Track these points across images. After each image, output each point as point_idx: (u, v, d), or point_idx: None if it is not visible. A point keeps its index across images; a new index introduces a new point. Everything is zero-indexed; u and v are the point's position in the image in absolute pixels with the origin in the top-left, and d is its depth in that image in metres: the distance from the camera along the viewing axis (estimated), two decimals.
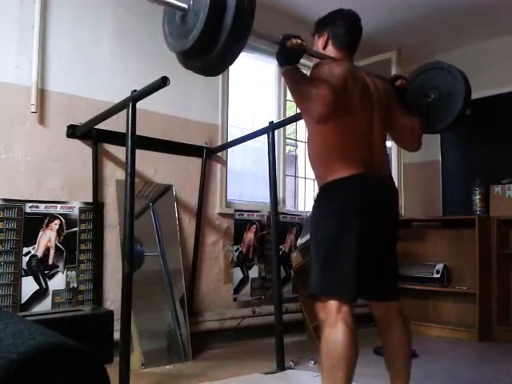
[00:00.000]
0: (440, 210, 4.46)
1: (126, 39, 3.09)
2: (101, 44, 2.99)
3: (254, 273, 3.64)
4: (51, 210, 2.73)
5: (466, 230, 3.83)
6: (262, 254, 3.69)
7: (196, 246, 3.30)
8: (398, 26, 4.02)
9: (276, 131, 3.15)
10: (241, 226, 3.60)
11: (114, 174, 2.96)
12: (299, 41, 1.71)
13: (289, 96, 4.06)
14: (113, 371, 2.03)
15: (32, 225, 2.65)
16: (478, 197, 4.02)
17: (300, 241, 3.60)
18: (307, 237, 3.42)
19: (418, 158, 4.57)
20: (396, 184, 4.08)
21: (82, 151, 2.86)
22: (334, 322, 1.69)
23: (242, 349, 3.24)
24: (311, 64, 2.00)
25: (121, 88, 2.81)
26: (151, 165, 3.15)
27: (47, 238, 2.71)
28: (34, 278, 2.64)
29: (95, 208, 2.86)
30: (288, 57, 1.73)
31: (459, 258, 3.95)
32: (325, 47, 2.00)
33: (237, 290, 3.54)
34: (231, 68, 3.41)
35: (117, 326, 2.41)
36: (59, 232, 2.74)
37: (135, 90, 2.26)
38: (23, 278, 2.60)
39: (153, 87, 2.13)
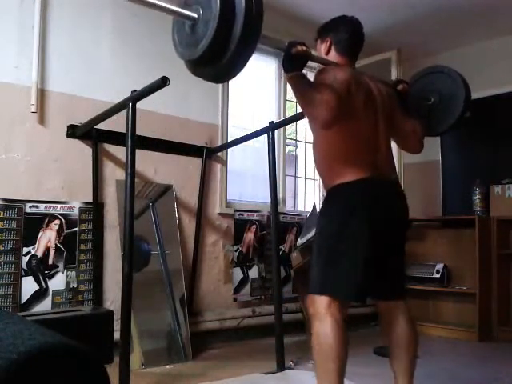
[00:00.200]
0: (440, 210, 4.46)
1: (125, 39, 3.09)
2: (101, 44, 2.99)
3: (254, 273, 3.64)
4: (51, 210, 2.73)
5: (466, 229, 3.83)
6: (261, 254, 3.69)
7: (196, 246, 3.30)
8: (398, 26, 4.02)
9: (276, 131, 3.15)
10: (241, 226, 3.60)
11: (114, 174, 2.96)
12: (304, 48, 1.75)
13: (289, 96, 4.06)
14: (113, 371, 2.03)
15: (32, 225, 2.65)
16: (477, 197, 4.02)
17: (300, 241, 3.60)
18: (307, 237, 3.42)
19: (418, 158, 4.54)
20: None
21: (82, 151, 2.86)
22: (323, 316, 1.74)
23: (242, 349, 3.24)
24: (316, 65, 2.02)
25: (121, 88, 2.81)
26: (151, 165, 3.15)
27: (47, 238, 2.71)
28: (34, 278, 2.64)
29: (95, 208, 2.86)
30: (293, 63, 1.77)
31: (459, 258, 3.95)
32: (327, 52, 2.04)
33: (237, 290, 3.54)
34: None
35: (117, 326, 2.41)
36: (59, 232, 2.74)
37: (135, 90, 2.26)
38: (23, 278, 2.60)
39: (153, 87, 2.13)
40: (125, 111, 2.24)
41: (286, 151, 4.13)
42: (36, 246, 2.66)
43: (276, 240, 2.92)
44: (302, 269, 3.47)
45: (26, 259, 2.62)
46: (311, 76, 1.99)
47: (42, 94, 2.73)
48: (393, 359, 1.90)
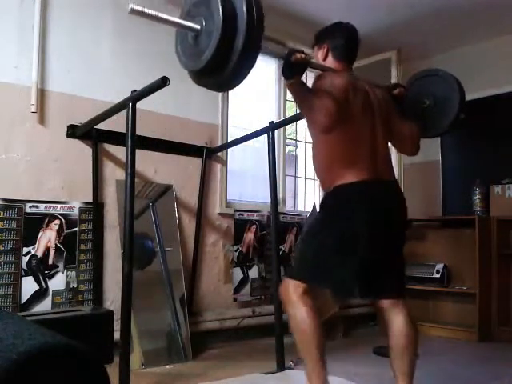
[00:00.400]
0: (440, 210, 4.46)
1: (126, 39, 3.09)
2: (101, 44, 2.99)
3: (254, 273, 3.64)
4: (51, 210, 2.73)
5: (466, 229, 3.83)
6: (261, 254, 3.69)
7: (196, 246, 3.30)
8: (398, 26, 4.02)
9: (276, 131, 3.15)
10: (241, 226, 3.60)
11: (114, 174, 2.96)
12: (303, 55, 1.81)
13: (289, 96, 4.06)
14: (113, 371, 2.03)
15: (32, 225, 2.65)
16: (477, 197, 4.01)
17: None
18: None
19: (418, 158, 4.53)
20: None
21: (82, 151, 2.86)
22: (295, 302, 1.86)
23: (241, 349, 3.24)
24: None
25: (121, 88, 2.81)
26: (151, 165, 3.15)
27: (47, 238, 2.71)
28: (34, 278, 2.65)
29: (95, 208, 2.86)
30: (293, 70, 1.82)
31: (459, 258, 3.95)
32: (325, 59, 2.10)
33: (237, 290, 3.54)
34: None
35: (117, 326, 2.41)
36: (59, 232, 2.75)
37: (135, 90, 2.26)
38: (23, 278, 2.60)
39: (153, 87, 2.13)
40: (125, 111, 2.24)
41: (286, 151, 4.13)
42: (36, 246, 2.66)
43: (276, 240, 2.92)
44: None
45: (25, 259, 2.62)
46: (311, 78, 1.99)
47: (42, 93, 2.73)
48: (392, 359, 1.91)
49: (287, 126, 4.01)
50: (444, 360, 3.09)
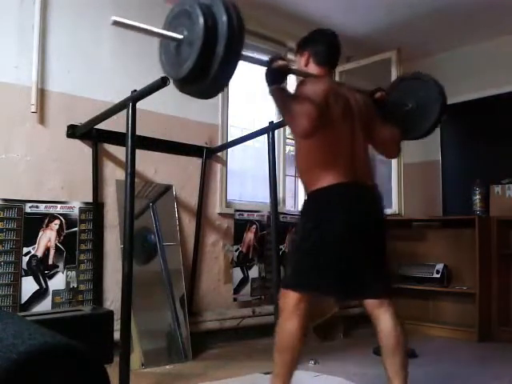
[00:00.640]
0: (440, 210, 4.46)
1: (126, 39, 3.08)
2: (101, 44, 2.99)
3: (254, 273, 3.64)
4: (51, 210, 2.73)
5: (466, 229, 3.83)
6: (261, 254, 3.69)
7: (196, 246, 3.30)
8: (398, 26, 4.02)
9: (276, 131, 3.15)
10: (241, 226, 3.60)
11: (114, 174, 2.96)
12: (284, 62, 1.89)
13: None
14: (113, 371, 2.03)
15: (32, 225, 2.65)
16: (477, 197, 4.01)
17: None
18: None
19: (418, 158, 4.57)
20: (396, 184, 4.05)
21: (82, 151, 2.86)
22: (291, 313, 1.90)
23: (241, 349, 3.24)
24: None
25: (121, 88, 2.81)
26: (151, 165, 3.15)
27: (47, 237, 2.71)
28: (34, 278, 2.64)
29: (95, 208, 2.86)
30: (274, 77, 1.89)
31: (459, 258, 3.95)
32: (307, 64, 2.14)
33: (237, 290, 3.54)
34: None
35: (117, 326, 2.41)
36: (59, 232, 2.75)
37: (135, 90, 2.26)
38: (23, 278, 2.60)
39: (153, 87, 2.13)
40: (125, 111, 2.24)
41: (286, 151, 4.13)
42: (36, 246, 2.66)
43: (276, 240, 2.92)
44: None
45: (26, 259, 2.62)
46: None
47: (42, 93, 2.73)
48: (384, 359, 1.95)
49: (287, 126, 4.01)
50: (444, 360, 3.09)
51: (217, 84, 1.63)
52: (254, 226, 3.67)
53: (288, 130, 4.22)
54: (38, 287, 2.65)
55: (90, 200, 2.85)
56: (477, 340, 3.58)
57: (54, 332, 1.03)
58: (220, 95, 3.52)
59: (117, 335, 2.30)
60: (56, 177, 2.77)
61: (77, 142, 2.85)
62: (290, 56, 3.82)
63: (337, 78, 4.40)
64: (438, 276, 3.93)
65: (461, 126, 4.48)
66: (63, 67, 2.83)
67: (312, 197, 1.99)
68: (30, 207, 2.65)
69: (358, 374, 2.64)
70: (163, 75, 2.04)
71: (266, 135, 2.97)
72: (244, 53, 1.61)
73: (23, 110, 2.66)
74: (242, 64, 2.02)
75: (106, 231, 2.93)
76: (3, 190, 2.58)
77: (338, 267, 1.89)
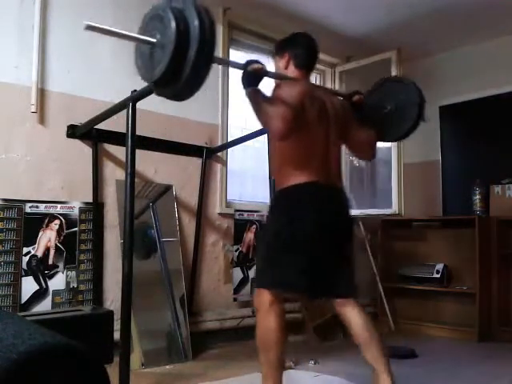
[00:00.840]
0: (440, 210, 4.46)
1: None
2: (101, 44, 2.99)
3: (254, 273, 3.63)
4: (51, 210, 2.73)
5: (466, 229, 3.83)
6: None
7: (196, 246, 3.30)
8: (398, 26, 4.02)
9: None
10: (241, 226, 3.60)
11: (114, 174, 2.96)
12: (260, 65, 1.95)
13: None
14: (113, 371, 2.03)
15: (32, 225, 2.65)
16: (477, 197, 4.02)
17: None
18: None
19: (418, 158, 4.57)
20: (396, 184, 4.07)
21: (82, 151, 2.86)
22: (267, 312, 1.94)
23: (241, 349, 3.23)
24: None
25: (121, 88, 2.81)
26: (151, 165, 3.15)
27: (47, 237, 2.71)
28: (34, 278, 2.64)
29: (95, 208, 2.86)
30: (250, 80, 1.95)
31: (459, 258, 3.95)
32: (287, 67, 2.19)
33: (237, 290, 3.54)
34: (231, 68, 3.41)
35: (117, 326, 2.41)
36: (59, 232, 2.74)
37: (135, 90, 2.26)
38: (23, 278, 2.60)
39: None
40: (125, 111, 2.24)
41: None
42: (36, 246, 2.66)
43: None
44: None
45: (26, 259, 2.62)
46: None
47: (42, 93, 2.73)
48: (364, 353, 1.99)
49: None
50: (444, 360, 3.09)
51: (189, 87, 1.67)
52: (254, 226, 3.67)
53: None
54: (38, 287, 2.65)
55: (90, 200, 2.85)
56: (477, 340, 3.58)
57: (53, 332, 1.03)
58: (220, 95, 3.52)
59: (117, 335, 2.30)
60: (56, 177, 2.77)
61: (77, 142, 2.85)
62: None
63: (337, 78, 4.41)
64: (438, 276, 3.93)
65: (461, 125, 4.49)
66: (63, 67, 2.83)
67: (283, 194, 2.02)
68: (30, 207, 2.65)
69: (358, 374, 2.64)
70: None
71: (266, 135, 2.97)
72: (217, 56, 1.66)
73: (23, 110, 2.66)
74: (243, 62, 2.06)
75: (106, 231, 2.93)
76: (3, 190, 2.58)
77: (308, 266, 1.92)
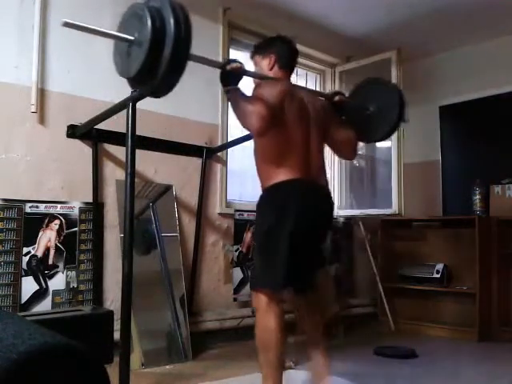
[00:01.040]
0: (440, 210, 4.47)
1: None
2: (101, 44, 2.99)
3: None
4: (51, 210, 2.73)
5: (466, 229, 3.83)
6: None
7: (196, 246, 3.30)
8: (398, 26, 4.02)
9: None
10: (241, 226, 3.60)
11: (114, 174, 2.96)
12: (239, 65, 1.99)
13: None
14: (113, 371, 2.03)
15: (32, 225, 2.65)
16: (477, 197, 4.02)
17: None
18: None
19: (418, 158, 4.58)
20: (396, 184, 4.06)
21: (82, 151, 2.86)
22: (265, 311, 1.96)
23: (241, 349, 3.23)
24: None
25: (121, 88, 2.79)
26: (151, 165, 3.15)
27: (47, 237, 2.71)
28: (34, 278, 2.64)
29: (95, 208, 2.86)
30: (229, 79, 2.00)
31: (459, 258, 3.95)
32: (272, 68, 2.23)
33: (237, 290, 3.54)
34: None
35: (117, 326, 2.41)
36: (59, 232, 2.75)
37: (135, 90, 2.26)
38: (23, 278, 2.60)
39: None
40: (125, 111, 2.24)
41: None
42: (36, 245, 2.66)
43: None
44: None
45: (26, 259, 2.62)
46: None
47: (42, 93, 2.73)
48: (309, 344, 2.13)
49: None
50: (444, 360, 3.09)
51: (166, 83, 1.70)
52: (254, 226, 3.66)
53: None
54: (38, 287, 2.65)
55: (90, 200, 2.85)
56: (477, 340, 3.58)
57: (53, 332, 1.03)
58: (220, 95, 3.52)
59: (117, 335, 2.30)
60: (56, 177, 2.77)
61: (77, 142, 2.85)
62: None
63: (337, 78, 4.41)
64: (438, 276, 3.94)
65: (461, 125, 4.49)
66: (63, 67, 2.83)
67: (268, 192, 2.05)
68: (30, 207, 2.65)
69: (358, 373, 2.64)
70: None
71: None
72: (193, 54, 1.69)
73: (23, 110, 2.66)
74: (243, 61, 2.06)
75: (106, 231, 2.93)
76: (3, 190, 2.58)
77: (298, 264, 1.97)
